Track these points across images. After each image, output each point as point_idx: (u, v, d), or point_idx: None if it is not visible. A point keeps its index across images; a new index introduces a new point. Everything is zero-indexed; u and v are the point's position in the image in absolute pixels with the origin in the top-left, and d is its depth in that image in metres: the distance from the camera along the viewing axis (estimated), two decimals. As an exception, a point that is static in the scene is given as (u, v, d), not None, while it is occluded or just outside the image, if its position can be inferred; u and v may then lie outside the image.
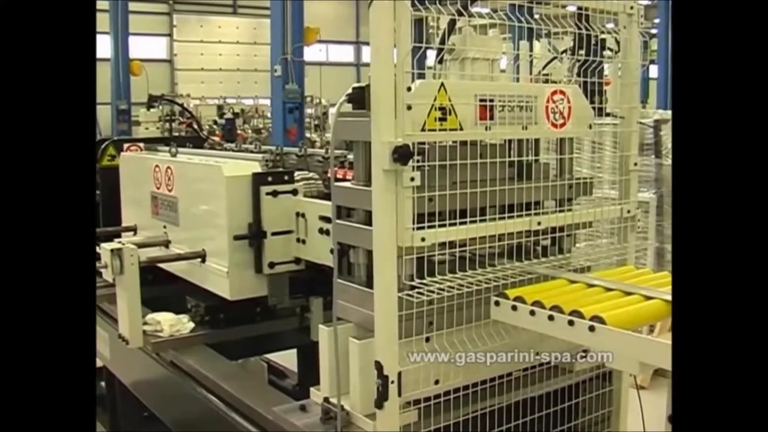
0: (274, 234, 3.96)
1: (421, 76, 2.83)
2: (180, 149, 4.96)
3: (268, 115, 20.00)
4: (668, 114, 7.49)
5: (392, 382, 2.75)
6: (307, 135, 17.81)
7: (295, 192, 4.02)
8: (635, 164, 3.52)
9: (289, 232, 3.99)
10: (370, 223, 2.85)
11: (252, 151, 5.10)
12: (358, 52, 35.04)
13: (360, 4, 32.27)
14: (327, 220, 3.65)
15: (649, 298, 2.79)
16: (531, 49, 3.50)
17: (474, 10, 3.20)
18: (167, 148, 4.99)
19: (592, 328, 2.57)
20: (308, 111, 19.21)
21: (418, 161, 2.78)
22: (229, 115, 19.67)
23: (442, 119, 2.83)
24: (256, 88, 28.25)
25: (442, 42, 3.17)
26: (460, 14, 3.09)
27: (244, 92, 27.86)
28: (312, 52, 18.78)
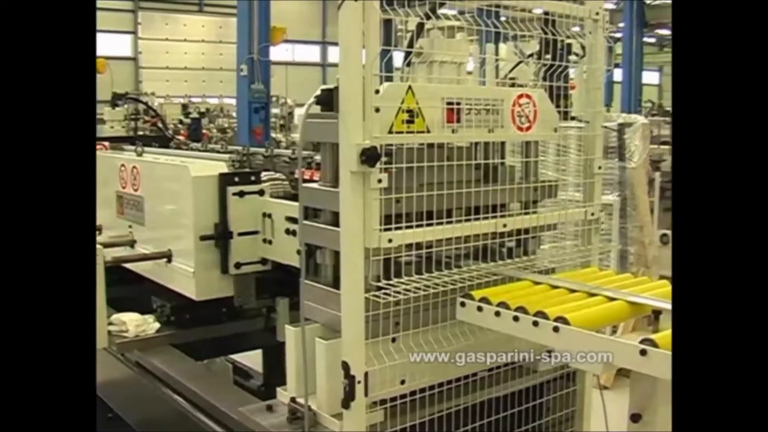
0: (240, 234, 3.97)
1: (388, 78, 2.85)
2: (146, 149, 4.93)
3: (234, 114, 19.89)
4: (632, 117, 7.58)
5: (359, 382, 2.77)
6: (273, 135, 17.73)
7: (261, 192, 4.03)
8: (599, 167, 3.57)
9: (255, 232, 3.99)
10: (337, 224, 2.86)
11: (219, 151, 5.10)
12: (324, 52, 34.96)
13: (327, 4, 32.17)
14: (294, 220, 3.66)
15: (612, 299, 2.84)
16: (497, 53, 3.52)
17: (441, 11, 3.22)
18: (133, 148, 4.96)
19: (556, 329, 2.60)
20: (274, 111, 19.12)
21: (385, 163, 2.80)
22: (195, 115, 19.52)
23: (410, 122, 2.85)
24: (222, 87, 28.09)
25: (410, 45, 3.19)
26: (428, 17, 3.11)
27: (209, 91, 27.63)
28: (278, 52, 18.72)
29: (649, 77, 36.83)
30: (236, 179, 3.99)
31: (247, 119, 15.82)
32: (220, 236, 3.94)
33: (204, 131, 18.31)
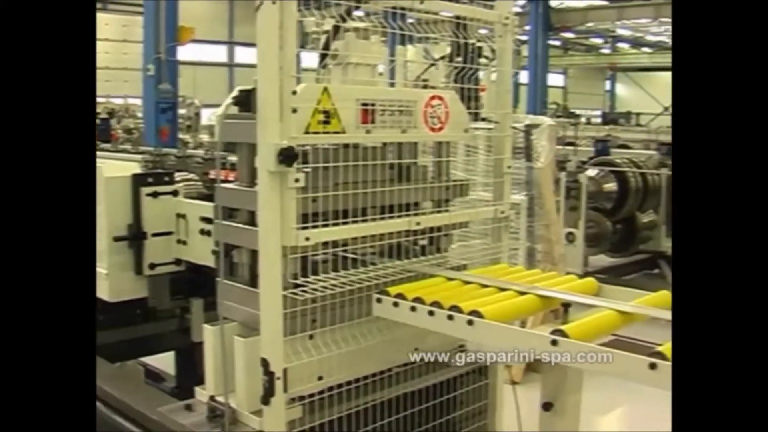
0: (154, 235, 3.95)
1: (299, 79, 2.88)
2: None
3: (139, 114, 19.54)
4: (539, 119, 7.73)
5: (278, 378, 2.80)
6: (180, 135, 17.51)
7: (175, 193, 4.02)
8: (509, 167, 3.67)
9: (169, 233, 3.98)
10: (253, 224, 2.89)
11: (130, 152, 5.05)
12: (232, 52, 34.60)
13: (234, 4, 31.90)
14: (208, 221, 3.67)
15: (523, 293, 2.94)
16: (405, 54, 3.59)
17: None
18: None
19: (470, 322, 2.68)
20: (180, 111, 18.85)
21: (301, 163, 2.84)
22: (104, 115, 19.13)
23: (326, 122, 2.90)
24: (126, 86, 27.58)
25: (326, 47, 3.23)
26: (344, 20, 3.16)
27: (113, 91, 27.08)
28: (185, 52, 18.47)
29: (554, 79, 37.58)
30: (149, 180, 3.97)
31: (154, 119, 15.58)
32: (134, 237, 3.91)
33: (112, 132, 17.98)
